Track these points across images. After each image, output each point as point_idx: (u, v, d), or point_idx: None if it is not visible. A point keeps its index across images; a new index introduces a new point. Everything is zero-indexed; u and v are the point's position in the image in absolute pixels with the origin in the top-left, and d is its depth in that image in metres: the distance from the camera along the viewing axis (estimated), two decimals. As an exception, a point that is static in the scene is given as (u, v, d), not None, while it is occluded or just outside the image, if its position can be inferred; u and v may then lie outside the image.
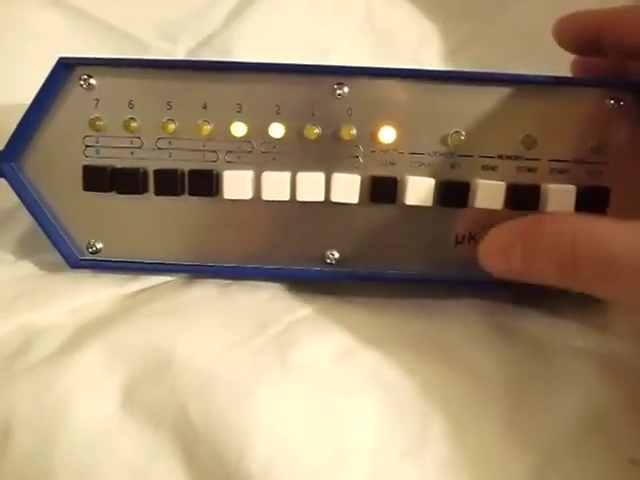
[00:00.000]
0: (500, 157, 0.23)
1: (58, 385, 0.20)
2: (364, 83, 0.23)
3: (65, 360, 0.20)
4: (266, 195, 0.24)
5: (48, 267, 0.26)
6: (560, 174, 0.23)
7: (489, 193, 0.23)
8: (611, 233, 0.18)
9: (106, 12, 0.37)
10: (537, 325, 0.24)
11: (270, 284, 0.25)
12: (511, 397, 0.20)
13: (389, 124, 0.23)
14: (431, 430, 0.19)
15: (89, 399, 0.20)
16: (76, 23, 0.36)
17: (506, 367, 0.21)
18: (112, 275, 0.26)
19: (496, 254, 0.21)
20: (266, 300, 0.24)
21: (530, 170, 0.23)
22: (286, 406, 0.19)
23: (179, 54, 0.36)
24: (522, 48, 0.26)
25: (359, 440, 0.19)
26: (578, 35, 0.25)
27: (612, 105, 0.23)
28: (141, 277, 0.26)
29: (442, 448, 0.19)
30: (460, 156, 0.23)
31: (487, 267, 0.22)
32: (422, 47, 0.33)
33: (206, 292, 0.25)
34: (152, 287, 0.26)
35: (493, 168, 0.23)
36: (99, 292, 0.25)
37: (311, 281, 0.26)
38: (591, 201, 0.23)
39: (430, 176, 0.23)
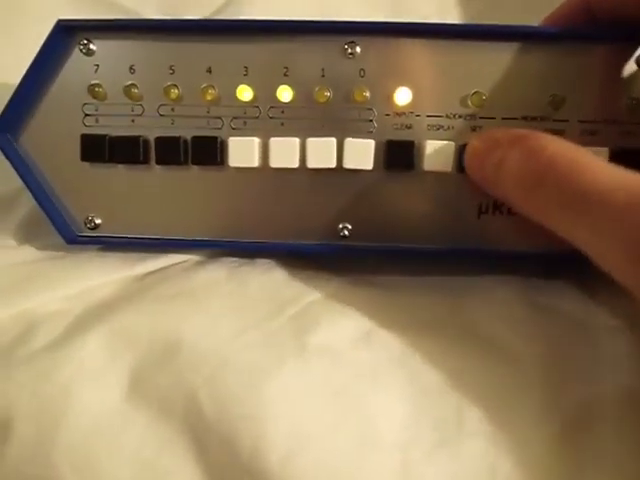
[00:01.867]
0: (525, 118, 0.23)
1: (59, 374, 0.19)
2: (377, 41, 0.23)
3: (67, 348, 0.20)
4: (274, 162, 0.23)
5: (52, 251, 0.26)
6: (591, 136, 0.23)
7: None
8: (596, 164, 0.17)
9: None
10: (572, 303, 0.23)
11: (284, 264, 0.25)
12: (550, 381, 0.19)
13: (405, 85, 0.23)
14: (466, 420, 0.18)
15: (92, 388, 0.19)
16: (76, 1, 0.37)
17: (543, 348, 0.21)
18: (118, 257, 0.25)
19: (479, 154, 0.21)
20: (281, 281, 0.24)
21: (558, 132, 0.23)
22: (305, 393, 0.19)
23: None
24: (541, 15, 0.26)
25: (386, 431, 0.18)
26: (569, 20, 0.24)
27: (645, 60, 0.22)
28: (149, 259, 0.26)
29: (479, 441, 0.18)
30: (482, 118, 0.23)
31: (466, 165, 0.22)
32: (440, 15, 0.33)
33: (216, 275, 0.24)
34: (160, 269, 0.25)
35: None
36: (104, 275, 0.25)
37: (324, 255, 0.25)
38: (626, 164, 0.22)
39: (450, 140, 0.23)
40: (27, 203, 0.28)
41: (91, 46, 0.23)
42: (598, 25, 0.23)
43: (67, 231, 0.25)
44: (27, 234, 0.27)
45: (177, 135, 0.23)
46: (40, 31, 0.23)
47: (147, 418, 0.19)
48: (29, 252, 0.26)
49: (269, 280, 0.24)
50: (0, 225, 0.27)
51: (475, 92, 0.23)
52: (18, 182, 0.25)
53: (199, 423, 0.18)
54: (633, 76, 0.23)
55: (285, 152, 0.23)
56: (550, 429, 0.18)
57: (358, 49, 0.23)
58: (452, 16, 0.33)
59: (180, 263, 0.26)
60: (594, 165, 0.17)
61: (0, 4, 0.34)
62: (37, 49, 0.23)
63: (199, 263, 0.25)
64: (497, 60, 0.22)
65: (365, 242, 0.24)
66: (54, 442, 0.18)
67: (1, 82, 0.30)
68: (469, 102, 0.23)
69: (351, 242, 0.24)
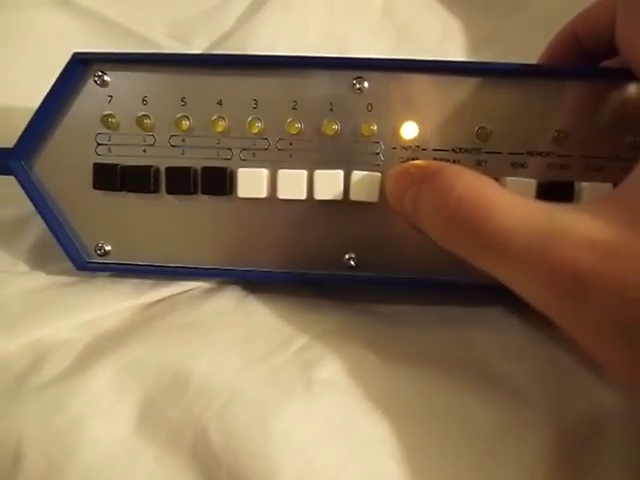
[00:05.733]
0: (530, 153, 0.24)
1: (69, 406, 0.20)
2: (385, 77, 0.23)
3: (76, 379, 0.21)
4: (282, 194, 0.24)
5: (61, 277, 0.27)
6: (596, 171, 0.23)
7: (519, 191, 0.23)
8: (500, 205, 0.17)
9: (116, 13, 0.38)
10: None
11: (290, 293, 0.26)
12: (554, 416, 0.20)
13: (411, 119, 0.23)
14: (468, 457, 0.19)
15: (102, 421, 0.20)
16: (85, 25, 0.37)
17: (549, 383, 0.21)
18: (127, 284, 0.26)
19: (396, 189, 0.22)
20: (287, 311, 0.24)
21: (562, 167, 0.23)
22: (313, 429, 0.19)
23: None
24: (547, 41, 0.27)
25: (390, 467, 0.18)
26: (561, 50, 0.25)
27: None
28: (157, 287, 0.26)
29: (480, 477, 0.18)
30: (487, 152, 0.24)
31: (388, 199, 0.22)
32: (444, 42, 0.34)
33: (223, 304, 0.25)
34: (168, 298, 0.26)
35: (522, 165, 0.24)
36: (113, 304, 0.25)
37: (329, 284, 0.26)
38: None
39: (455, 174, 0.24)
40: (38, 227, 0.28)
41: (105, 78, 0.24)
42: (594, 60, 0.24)
43: (77, 257, 0.25)
44: (38, 259, 0.28)
45: (187, 165, 0.24)
46: (51, 56, 0.24)
47: (156, 451, 0.19)
48: (40, 278, 0.26)
49: (276, 310, 0.25)
50: (11, 249, 0.28)
51: (481, 127, 0.23)
52: (29, 206, 0.25)
53: (208, 457, 0.19)
54: (635, 111, 0.23)
55: (293, 184, 0.24)
56: (553, 465, 0.19)
57: (366, 84, 0.23)
58: (456, 42, 0.34)
59: (188, 291, 0.26)
60: (500, 205, 0.17)
61: (12, 28, 0.35)
62: (48, 73, 0.24)
63: (207, 291, 0.26)
64: (503, 96, 0.23)
65: (372, 272, 0.25)
66: (64, 474, 0.19)
67: (13, 105, 0.31)
68: (475, 137, 0.23)
69: (358, 272, 0.25)
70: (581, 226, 0.16)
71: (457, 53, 0.35)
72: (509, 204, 0.17)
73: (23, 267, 0.27)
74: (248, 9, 0.39)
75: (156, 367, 0.21)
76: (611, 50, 0.22)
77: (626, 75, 0.23)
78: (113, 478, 0.19)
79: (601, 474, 0.19)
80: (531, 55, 0.27)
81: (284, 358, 0.22)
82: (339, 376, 0.21)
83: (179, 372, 0.21)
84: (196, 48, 0.38)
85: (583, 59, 0.25)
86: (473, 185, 0.18)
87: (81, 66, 0.24)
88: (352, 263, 0.25)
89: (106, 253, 0.26)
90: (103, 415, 0.20)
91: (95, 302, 0.25)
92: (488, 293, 0.25)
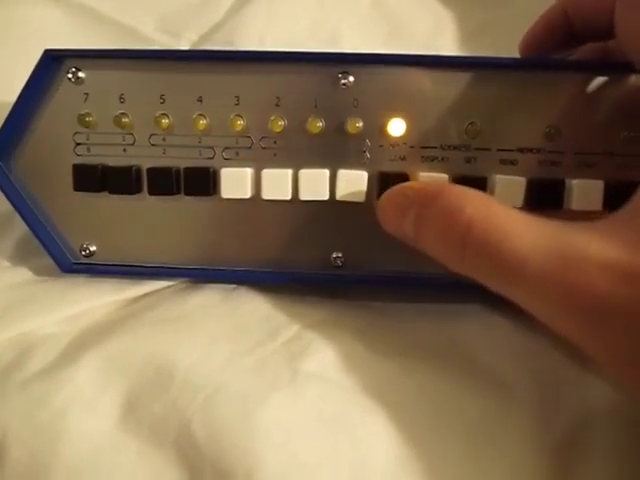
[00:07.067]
0: (520, 150, 0.22)
1: (53, 400, 0.19)
2: (371, 72, 0.22)
3: (61, 373, 0.20)
4: (266, 194, 0.23)
5: (45, 273, 0.26)
6: (587, 168, 0.22)
7: (508, 189, 0.22)
8: (513, 227, 0.16)
9: (107, 7, 0.37)
10: None
11: (276, 288, 0.25)
12: (541, 411, 0.19)
13: (398, 116, 0.22)
14: (454, 450, 0.18)
15: (86, 415, 0.19)
16: (76, 19, 0.36)
17: (538, 376, 0.20)
18: (111, 280, 0.25)
19: (392, 213, 0.20)
20: (273, 306, 0.24)
21: (553, 164, 0.22)
22: (298, 421, 0.19)
23: (182, 48, 0.36)
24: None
25: (378, 460, 0.18)
26: (549, 27, 0.24)
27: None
28: (141, 282, 0.25)
29: (466, 470, 0.18)
30: (476, 149, 0.22)
31: (382, 223, 0.21)
32: (435, 35, 0.32)
33: (209, 298, 0.24)
34: (152, 292, 0.25)
35: (513, 162, 0.22)
36: (97, 298, 0.24)
37: (317, 284, 0.25)
38: (622, 197, 0.22)
39: (443, 171, 0.22)
40: (22, 223, 0.27)
41: (80, 74, 0.23)
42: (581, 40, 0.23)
43: (63, 259, 0.24)
44: (21, 254, 0.27)
45: (169, 165, 0.23)
46: (41, 49, 0.23)
47: (140, 444, 0.18)
48: (23, 274, 0.26)
49: (263, 303, 0.24)
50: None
51: (470, 123, 0.22)
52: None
53: (192, 450, 0.18)
54: (628, 106, 0.22)
55: (277, 184, 0.23)
56: (540, 459, 0.18)
57: (351, 79, 0.22)
58: (448, 35, 0.32)
59: (173, 285, 0.25)
60: (513, 226, 0.17)
61: (3, 24, 0.34)
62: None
63: (192, 286, 0.25)
64: (492, 91, 0.22)
65: (359, 271, 0.24)
66: (48, 468, 0.18)
67: (2, 102, 0.29)
68: (464, 133, 0.22)
69: (345, 272, 0.24)
70: (597, 248, 0.15)
71: (449, 46, 0.34)
72: (521, 225, 0.16)
73: (6, 262, 0.27)
74: (236, 2, 0.38)
75: (141, 360, 0.20)
76: (603, 32, 0.21)
77: (621, 68, 0.22)
78: (97, 471, 0.18)
79: (590, 466, 0.18)
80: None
81: (270, 350, 0.21)
82: (327, 367, 0.20)
83: (164, 365, 0.20)
84: (186, 41, 0.36)
85: (570, 39, 0.24)
86: (482, 206, 0.17)
87: (54, 63, 0.22)
88: (339, 262, 0.24)
89: (91, 254, 0.25)
90: (87, 409, 0.19)
91: (79, 297, 0.24)
92: (476, 289, 0.24)
